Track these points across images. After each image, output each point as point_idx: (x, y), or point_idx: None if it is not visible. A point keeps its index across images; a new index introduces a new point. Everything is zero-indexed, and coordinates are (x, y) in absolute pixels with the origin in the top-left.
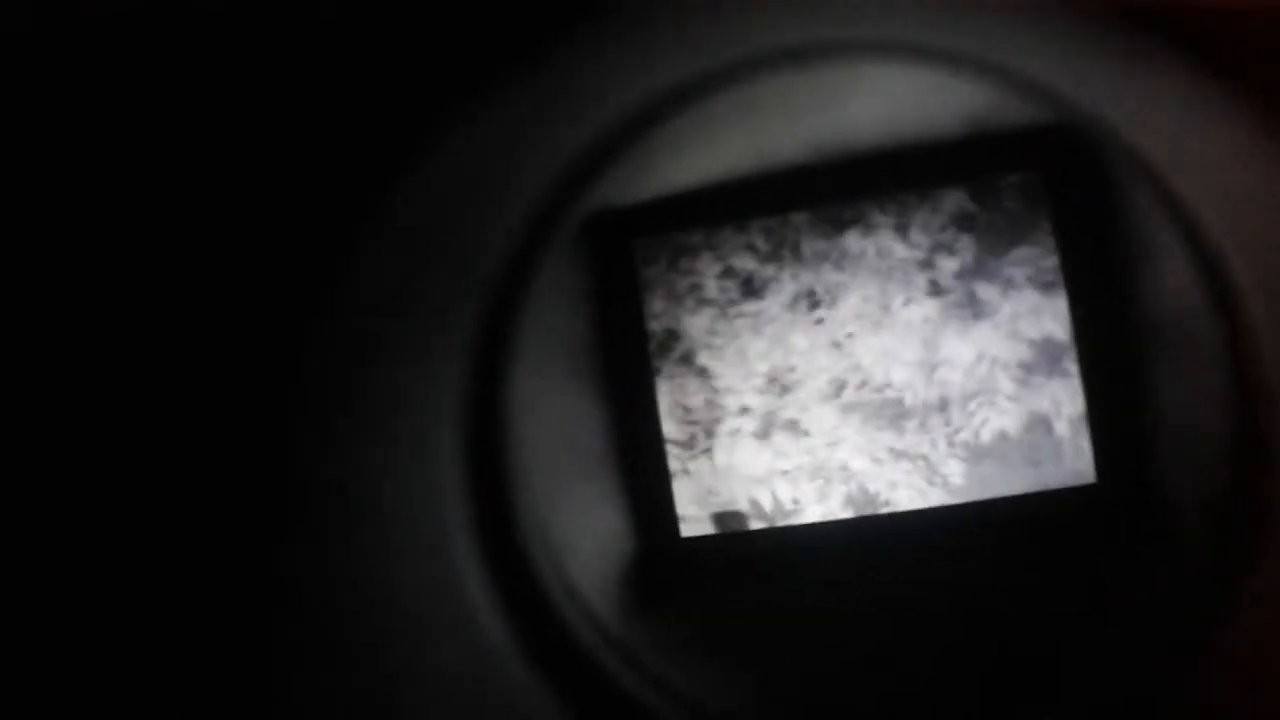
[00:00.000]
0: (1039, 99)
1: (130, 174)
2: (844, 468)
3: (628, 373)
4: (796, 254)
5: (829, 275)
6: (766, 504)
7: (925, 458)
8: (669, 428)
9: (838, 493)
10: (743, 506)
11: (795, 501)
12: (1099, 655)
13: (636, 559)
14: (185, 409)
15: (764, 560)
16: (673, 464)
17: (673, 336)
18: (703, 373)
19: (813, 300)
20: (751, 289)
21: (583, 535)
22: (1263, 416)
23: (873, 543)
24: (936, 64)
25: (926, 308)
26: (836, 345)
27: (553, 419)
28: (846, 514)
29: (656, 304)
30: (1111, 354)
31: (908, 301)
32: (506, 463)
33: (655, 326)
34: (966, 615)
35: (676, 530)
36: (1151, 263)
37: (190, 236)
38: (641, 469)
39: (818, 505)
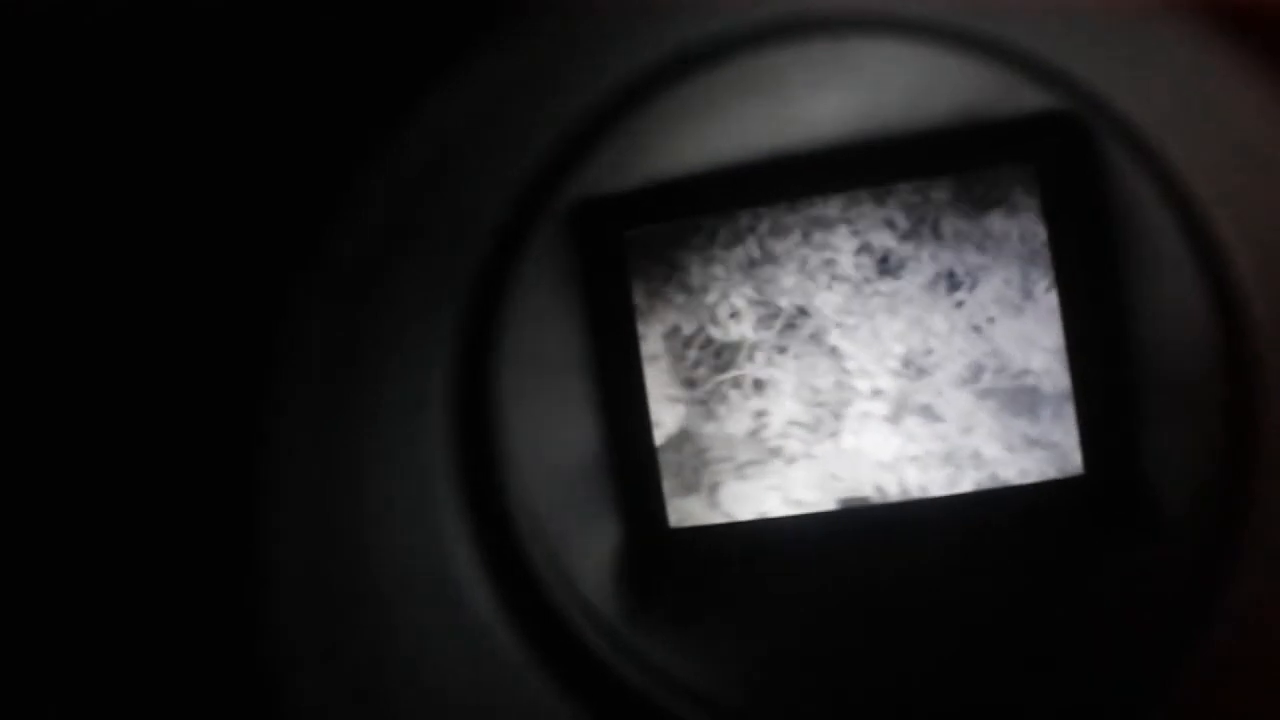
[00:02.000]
0: (1038, 78)
1: (99, 152)
2: (976, 454)
3: (617, 367)
4: (936, 232)
5: (970, 257)
6: (893, 490)
7: (1058, 446)
8: (794, 408)
9: (968, 479)
10: (868, 492)
11: (923, 488)
12: (1089, 646)
13: (627, 548)
14: (162, 393)
15: (753, 550)
16: (796, 446)
17: (802, 313)
18: (833, 352)
19: (953, 281)
20: (888, 267)
21: (574, 524)
22: (1259, 413)
23: (860, 534)
24: (932, 40)
25: None
26: (976, 329)
27: (543, 409)
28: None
29: (786, 279)
30: (1103, 348)
31: (1050, 286)
32: (496, 453)
33: (784, 302)
34: (956, 604)
35: (666, 521)
36: (1147, 258)
37: (165, 216)
38: (631, 462)
39: (946, 491)
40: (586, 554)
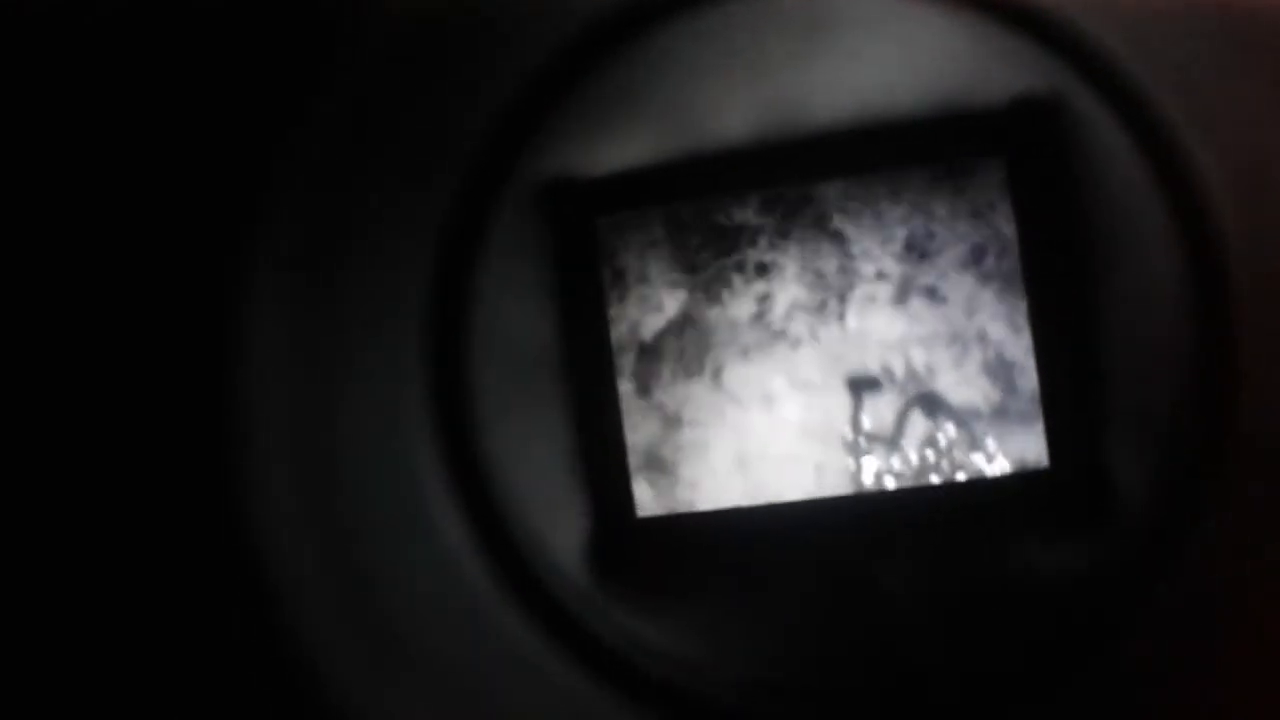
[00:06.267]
0: (1054, 49)
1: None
2: (981, 334)
3: (588, 372)
4: None
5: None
6: (899, 370)
7: None
8: (798, 292)
9: (974, 359)
10: (875, 372)
11: (929, 368)
12: (1037, 630)
13: (595, 534)
14: (136, 294)
15: (716, 537)
16: (800, 329)
17: (805, 200)
18: (837, 236)
19: (953, 168)
20: None
21: (546, 502)
22: (1236, 408)
23: (823, 526)
24: None
25: None
26: (977, 214)
27: (518, 414)
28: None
29: None
30: (1071, 342)
31: None
32: (474, 440)
33: (789, 190)
34: (905, 586)
35: (633, 512)
36: (1126, 250)
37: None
38: (599, 455)
39: (953, 371)
40: (561, 534)
